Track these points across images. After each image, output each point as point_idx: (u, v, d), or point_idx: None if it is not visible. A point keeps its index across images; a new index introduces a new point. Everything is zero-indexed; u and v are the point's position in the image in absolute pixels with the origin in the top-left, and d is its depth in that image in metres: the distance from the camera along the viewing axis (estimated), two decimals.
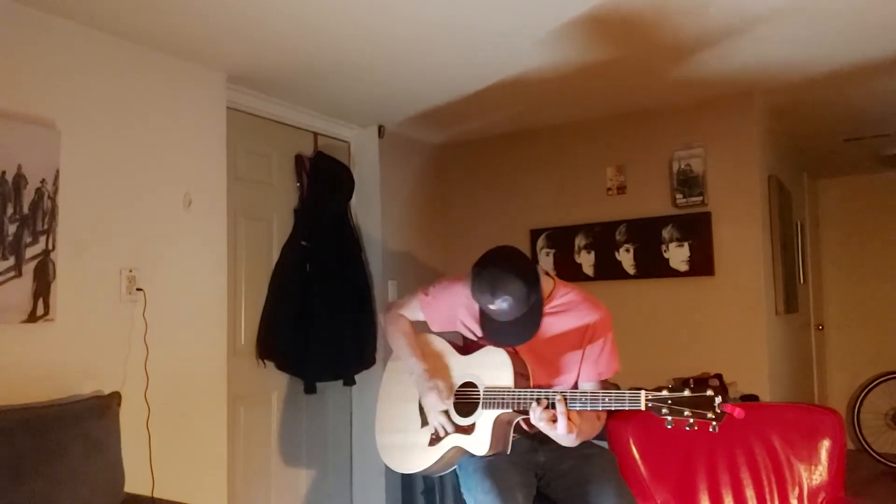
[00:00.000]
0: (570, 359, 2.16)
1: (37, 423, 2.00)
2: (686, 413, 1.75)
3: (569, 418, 1.90)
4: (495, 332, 2.07)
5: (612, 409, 1.92)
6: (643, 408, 1.81)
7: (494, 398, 2.04)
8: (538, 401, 1.93)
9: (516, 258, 2.07)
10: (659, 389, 1.81)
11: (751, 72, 3.18)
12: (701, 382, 1.79)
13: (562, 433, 1.90)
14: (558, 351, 2.16)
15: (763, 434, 2.37)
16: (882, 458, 5.16)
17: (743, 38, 2.76)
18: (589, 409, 1.93)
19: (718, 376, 3.35)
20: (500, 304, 1.98)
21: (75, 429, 2.07)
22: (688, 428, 1.75)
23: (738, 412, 1.72)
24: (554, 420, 1.90)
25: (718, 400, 1.72)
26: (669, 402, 1.77)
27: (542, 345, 2.16)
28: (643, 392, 1.82)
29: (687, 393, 1.76)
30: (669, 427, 1.78)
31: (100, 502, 2.10)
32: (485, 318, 2.10)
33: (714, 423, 1.72)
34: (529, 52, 2.84)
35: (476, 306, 2.15)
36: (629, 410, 1.88)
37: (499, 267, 2.01)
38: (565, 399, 1.90)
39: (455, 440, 2.11)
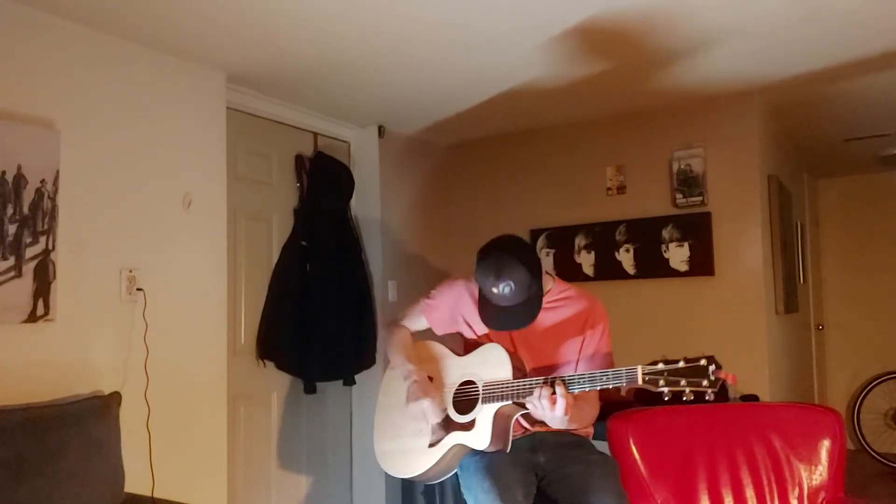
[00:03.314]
0: (568, 350, 2.19)
1: (37, 423, 2.00)
2: (682, 383, 1.80)
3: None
4: (493, 316, 2.10)
5: (611, 386, 1.95)
6: (640, 382, 1.86)
7: (494, 392, 2.06)
8: (542, 384, 1.97)
9: (523, 247, 2.12)
10: (654, 363, 1.86)
11: (750, 72, 3.18)
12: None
13: (559, 415, 1.94)
14: (556, 342, 2.19)
15: (763, 434, 2.37)
16: (882, 458, 5.16)
17: (741, 39, 2.76)
18: (588, 389, 1.97)
19: None
20: (503, 290, 2.02)
21: (75, 429, 2.07)
22: (685, 399, 1.80)
23: (731, 378, 1.80)
24: (555, 402, 1.93)
25: (712, 368, 1.78)
26: (665, 373, 1.83)
27: (539, 338, 2.19)
28: (639, 367, 1.87)
29: (682, 364, 1.82)
30: (666, 399, 1.83)
31: (100, 502, 2.10)
32: (483, 303, 2.12)
33: (709, 390, 1.77)
34: (529, 56, 2.84)
35: (477, 295, 2.19)
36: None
37: (505, 252, 2.06)
38: (564, 382, 1.95)
39: (456, 438, 2.12)
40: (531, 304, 2.07)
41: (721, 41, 2.76)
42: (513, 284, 2.01)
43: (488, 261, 2.06)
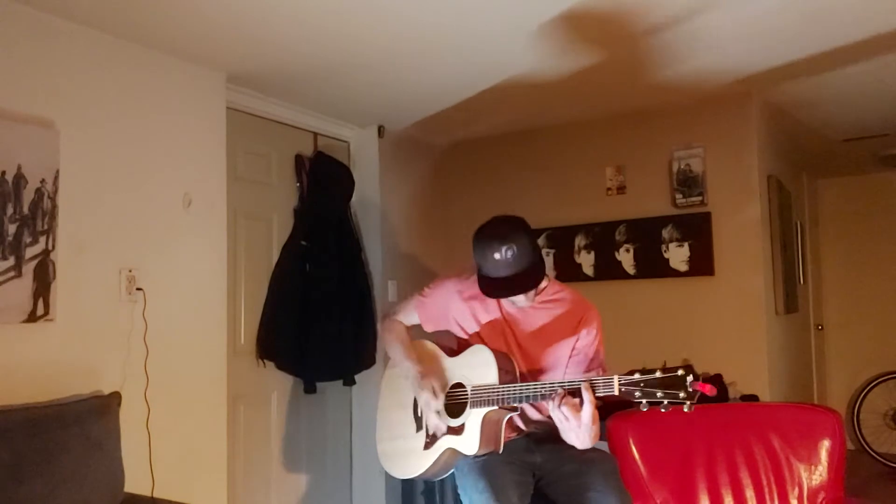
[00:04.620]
0: (558, 352, 2.17)
1: (37, 423, 2.00)
2: (659, 394, 1.75)
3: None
4: (494, 285, 2.06)
5: None
6: (616, 392, 1.81)
7: (481, 397, 2.05)
8: (556, 391, 1.90)
9: (523, 221, 2.13)
10: (631, 373, 1.80)
11: (750, 71, 3.18)
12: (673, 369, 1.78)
13: (587, 421, 1.87)
14: (546, 343, 2.18)
15: (763, 434, 2.37)
16: (882, 458, 5.16)
17: (741, 37, 2.76)
18: None
19: (718, 376, 3.35)
20: (506, 253, 2.00)
21: (75, 429, 2.07)
22: (662, 410, 1.74)
23: (709, 389, 1.72)
24: (577, 409, 1.87)
25: (690, 379, 1.72)
26: (641, 384, 1.77)
27: (529, 339, 2.18)
28: (616, 377, 1.82)
29: (658, 374, 1.76)
30: (644, 410, 1.77)
31: (100, 502, 2.10)
32: (484, 278, 2.09)
33: (687, 402, 1.71)
34: (527, 53, 2.84)
35: (467, 294, 2.21)
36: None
37: (506, 221, 2.10)
38: (591, 386, 1.87)
39: (447, 442, 2.12)
40: (533, 271, 2.05)
41: (718, 30, 2.75)
42: (516, 248, 2.00)
43: (489, 229, 2.07)
